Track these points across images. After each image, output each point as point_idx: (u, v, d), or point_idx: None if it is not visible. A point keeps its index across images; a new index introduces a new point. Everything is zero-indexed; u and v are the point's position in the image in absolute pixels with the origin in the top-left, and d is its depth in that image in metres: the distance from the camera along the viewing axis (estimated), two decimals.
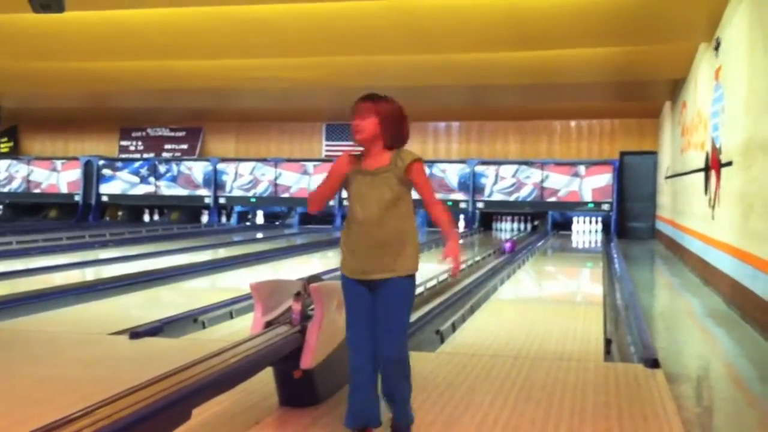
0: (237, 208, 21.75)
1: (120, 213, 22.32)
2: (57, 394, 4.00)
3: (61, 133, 23.55)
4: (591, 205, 19.33)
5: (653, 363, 4.84)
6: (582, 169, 19.48)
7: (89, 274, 10.40)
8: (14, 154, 23.06)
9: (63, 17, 10.92)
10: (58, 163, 22.24)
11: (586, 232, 19.50)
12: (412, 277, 3.26)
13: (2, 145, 21.75)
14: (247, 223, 21.34)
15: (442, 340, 5.91)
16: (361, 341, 3.25)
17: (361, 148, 3.27)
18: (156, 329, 5.84)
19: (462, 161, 20.34)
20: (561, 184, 19.51)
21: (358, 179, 3.23)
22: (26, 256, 11.71)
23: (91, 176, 21.96)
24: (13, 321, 6.46)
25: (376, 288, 3.21)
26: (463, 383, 4.39)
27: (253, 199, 21.28)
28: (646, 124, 20.21)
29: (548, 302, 8.90)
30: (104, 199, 22.05)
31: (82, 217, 21.66)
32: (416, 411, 3.49)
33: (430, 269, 8.52)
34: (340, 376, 4.04)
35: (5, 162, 21.85)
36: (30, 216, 22.23)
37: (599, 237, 18.74)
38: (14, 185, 22.30)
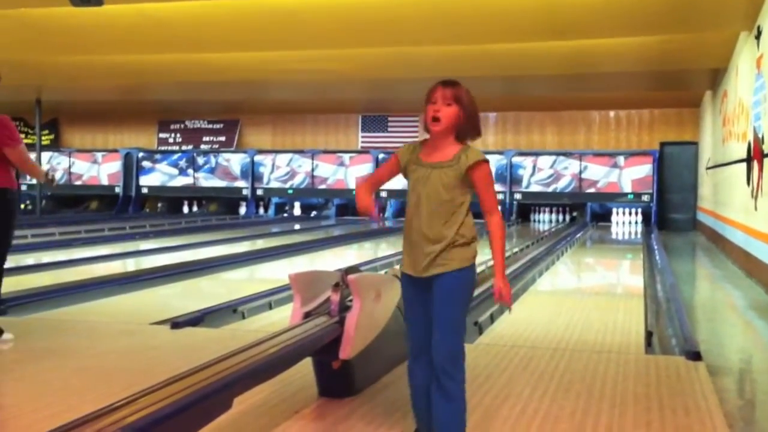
0: (274, 200, 21.88)
1: (159, 205, 22.57)
2: (99, 384, 4.06)
3: (100, 125, 23.85)
4: (631, 197, 19.12)
5: (695, 355, 4.78)
6: (621, 159, 19.27)
7: (130, 265, 10.54)
8: (55, 146, 23.40)
9: (101, 11, 11.06)
10: (99, 156, 22.54)
11: (625, 223, 19.29)
12: (465, 270, 2.97)
13: (44, 138, 22.05)
14: (285, 215, 21.45)
15: (481, 331, 5.89)
16: (412, 341, 3.06)
17: (424, 137, 3.07)
18: (196, 319, 5.89)
19: (499, 152, 20.22)
20: (600, 175, 19.32)
21: (416, 171, 2.99)
22: (68, 247, 11.89)
23: (131, 168, 22.22)
24: (55, 311, 6.57)
25: (429, 286, 2.96)
26: (502, 374, 4.37)
27: (290, 191, 21.38)
28: (686, 114, 19.92)
29: (587, 294, 8.83)
30: (144, 190, 22.30)
31: (123, 208, 21.94)
32: None
33: None
34: (379, 367, 4.06)
35: (47, 154, 22.17)
36: (71, 207, 22.57)
37: (639, 228, 18.53)
38: (56, 177, 22.64)
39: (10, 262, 10.08)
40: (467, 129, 2.97)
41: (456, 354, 2.94)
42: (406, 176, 3.05)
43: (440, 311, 2.93)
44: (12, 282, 7.81)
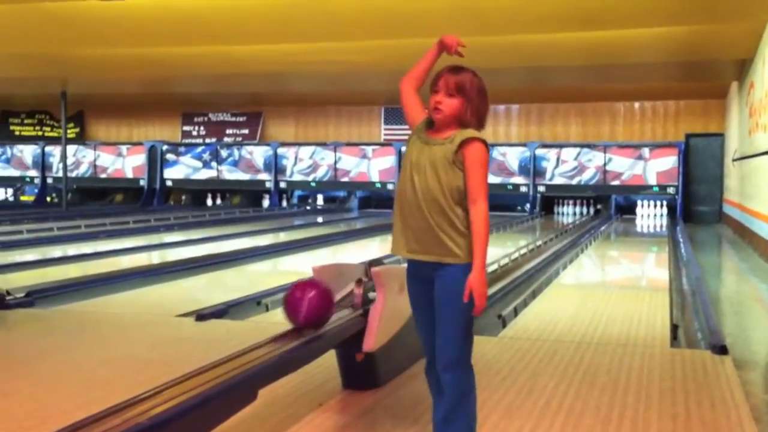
0: (297, 193, 21.93)
1: (183, 197, 22.69)
2: (124, 375, 4.09)
3: (125, 118, 24.01)
4: (656, 189, 18.96)
5: (721, 349, 4.73)
6: (646, 151, 19.10)
7: (154, 257, 10.61)
8: (80, 139, 23.59)
9: (126, 4, 11.15)
10: (124, 149, 22.69)
11: (650, 215, 19.14)
12: (469, 264, 2.71)
13: (69, 131, 22.23)
14: (307, 207, 21.50)
15: (504, 325, 5.87)
16: (422, 340, 2.89)
17: None
18: (221, 311, 5.92)
19: (522, 144, 20.13)
20: (624, 167, 19.17)
21: (415, 143, 2.83)
22: (94, 240, 11.99)
23: (155, 161, 22.36)
24: (81, 303, 6.63)
25: (430, 276, 2.77)
26: (526, 368, 4.36)
27: (313, 184, 21.42)
28: (713, 105, 19.70)
29: (612, 287, 8.77)
30: (168, 183, 22.43)
31: (147, 201, 22.08)
32: (477, 396, 3.41)
33: (490, 253, 8.46)
34: (402, 360, 4.06)
35: (72, 147, 22.36)
36: (97, 200, 22.75)
37: (664, 221, 18.39)
38: (81, 170, 22.82)
39: (38, 254, 10.23)
40: (468, 121, 2.76)
41: (458, 351, 2.76)
42: (407, 146, 2.89)
43: (439, 309, 2.76)
44: (39, 274, 7.93)
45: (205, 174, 22.20)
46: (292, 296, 3.29)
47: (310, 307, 3.26)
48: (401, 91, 2.96)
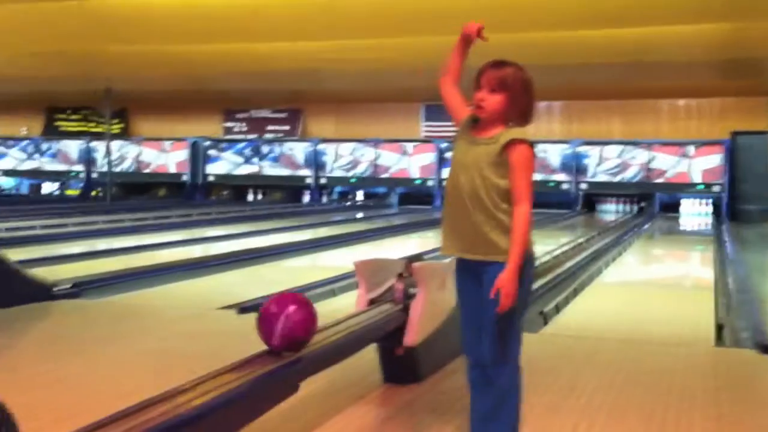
0: (337, 189, 22.00)
1: (225, 192, 22.90)
2: (167, 366, 4.14)
3: (168, 114, 24.27)
4: (701, 187, 18.67)
5: (767, 348, 4.65)
6: (691, 149, 18.82)
7: (196, 251, 10.72)
8: (125, 135, 23.92)
9: (168, 2, 11.28)
10: (167, 144, 22.96)
11: (695, 214, 18.86)
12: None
13: (113, 127, 22.55)
14: (347, 203, 21.55)
15: (546, 322, 5.82)
16: (467, 338, 2.87)
17: None
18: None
19: (564, 141, 19.95)
20: (669, 164, 18.91)
21: (460, 143, 2.81)
22: (137, 233, 12.16)
23: (198, 157, 22.59)
24: (125, 295, 6.73)
25: (478, 275, 2.76)
26: (567, 366, 4.32)
27: (353, 180, 21.46)
28: (759, 103, 19.31)
29: (655, 286, 8.66)
30: (210, 178, 22.65)
31: (190, 196, 22.32)
32: None
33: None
34: (443, 355, 4.05)
35: (117, 143, 22.68)
36: (140, 195, 23.06)
37: (710, 219, 18.09)
38: (125, 165, 23.15)
39: (83, 246, 10.40)
40: (513, 116, 2.73)
41: (500, 352, 2.74)
42: (454, 142, 2.87)
43: (484, 307, 2.73)
44: (84, 266, 8.06)
45: (246, 169, 22.37)
46: (266, 312, 2.79)
47: (286, 326, 2.74)
48: (441, 90, 2.95)
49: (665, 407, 3.59)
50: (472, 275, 2.78)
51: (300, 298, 2.89)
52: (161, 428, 2.07)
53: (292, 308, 2.77)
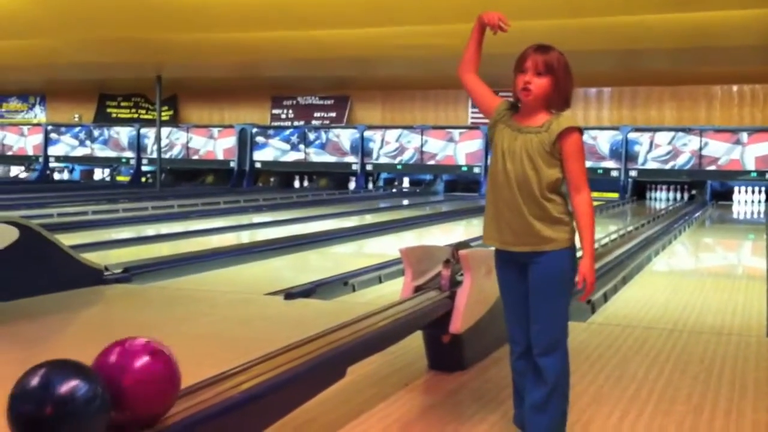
0: (383, 175, 22.01)
1: (272, 179, 23.06)
2: (216, 350, 4.20)
3: (216, 101, 24.50)
4: (754, 174, 18.27)
5: None
6: (744, 136, 18.41)
7: (244, 237, 10.83)
8: (174, 122, 24.21)
9: None
10: (215, 131, 23.18)
11: (748, 202, 18.47)
12: (561, 252, 2.72)
13: (163, 114, 22.83)
14: (393, 190, 21.56)
15: (593, 310, 5.77)
16: (512, 329, 2.87)
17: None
18: (309, 291, 6.01)
19: (614, 128, 19.67)
20: (721, 152, 18.52)
21: (503, 131, 2.77)
22: (186, 219, 12.31)
23: (245, 143, 22.76)
24: (174, 280, 6.82)
25: (523, 267, 2.77)
26: (615, 355, 4.28)
27: (399, 167, 21.45)
28: None
29: (706, 275, 8.52)
30: (257, 165, 22.82)
31: (237, 182, 22.52)
32: None
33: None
34: (488, 343, 4.05)
35: (166, 129, 22.96)
36: (189, 181, 23.34)
37: (763, 208, 17.71)
38: (175, 152, 23.43)
39: (133, 232, 10.57)
40: (559, 100, 2.73)
41: (553, 342, 2.75)
42: (492, 133, 2.83)
43: (533, 298, 2.75)
44: (134, 251, 8.20)
45: (293, 156, 22.49)
46: (102, 362, 1.85)
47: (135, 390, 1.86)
48: (463, 80, 2.96)
49: (715, 397, 3.55)
50: (516, 267, 2.78)
51: (155, 346, 2.04)
52: (213, 411, 2.10)
53: (144, 360, 1.97)
